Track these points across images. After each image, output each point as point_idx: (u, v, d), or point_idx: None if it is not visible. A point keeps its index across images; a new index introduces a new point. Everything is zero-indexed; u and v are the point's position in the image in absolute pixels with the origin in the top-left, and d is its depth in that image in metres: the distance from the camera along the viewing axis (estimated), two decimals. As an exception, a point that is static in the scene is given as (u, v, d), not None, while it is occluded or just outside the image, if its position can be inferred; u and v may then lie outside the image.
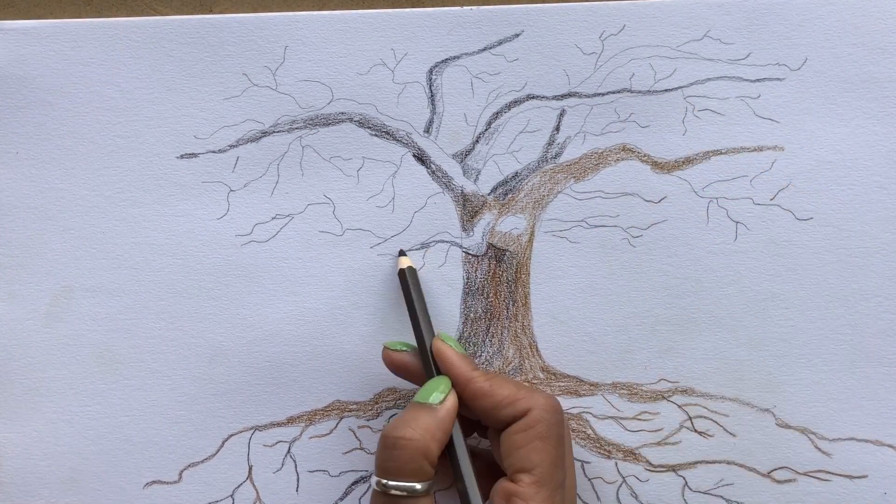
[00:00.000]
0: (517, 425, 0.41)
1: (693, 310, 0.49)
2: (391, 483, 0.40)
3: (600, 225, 0.49)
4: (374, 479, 0.41)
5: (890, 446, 0.48)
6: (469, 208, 0.49)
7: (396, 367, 0.45)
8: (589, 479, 0.49)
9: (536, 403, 0.42)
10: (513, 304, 0.49)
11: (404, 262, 0.47)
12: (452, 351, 0.44)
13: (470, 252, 0.49)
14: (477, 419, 0.44)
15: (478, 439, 0.48)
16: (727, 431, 0.49)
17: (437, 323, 0.49)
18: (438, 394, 0.42)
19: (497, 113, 0.49)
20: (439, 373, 0.44)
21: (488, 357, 0.49)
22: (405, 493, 0.40)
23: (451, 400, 0.42)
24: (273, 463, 0.49)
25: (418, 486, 0.40)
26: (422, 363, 0.45)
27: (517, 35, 0.49)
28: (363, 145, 0.49)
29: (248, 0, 0.50)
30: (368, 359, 0.49)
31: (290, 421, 0.49)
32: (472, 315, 0.49)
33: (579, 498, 0.48)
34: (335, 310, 0.49)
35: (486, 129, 0.49)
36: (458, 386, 0.43)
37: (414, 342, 0.46)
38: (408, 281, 0.46)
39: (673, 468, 0.48)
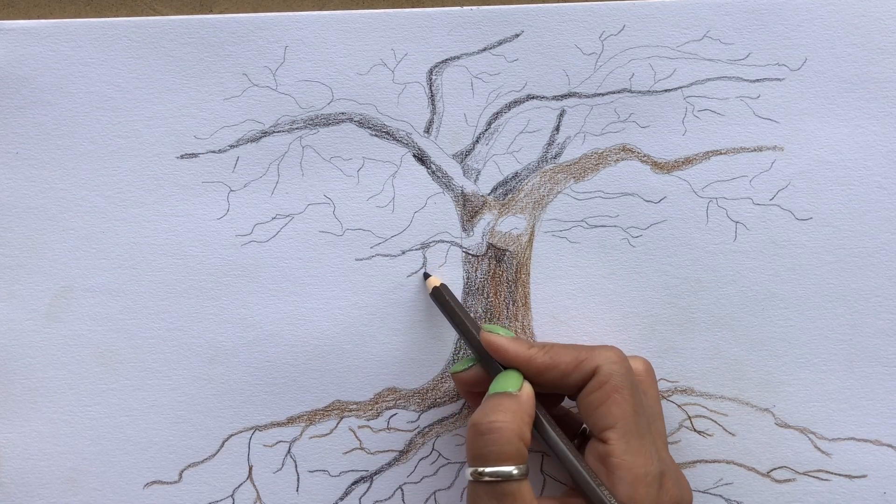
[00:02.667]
0: (589, 386, 0.41)
1: (693, 310, 0.49)
2: (487, 470, 0.39)
3: (600, 225, 0.49)
4: (467, 470, 0.40)
5: (889, 446, 0.48)
6: (469, 208, 0.49)
7: (471, 385, 0.45)
8: (589, 479, 0.49)
9: (601, 359, 0.42)
10: (513, 304, 0.49)
11: (434, 282, 0.47)
12: (502, 338, 0.43)
13: (470, 252, 0.49)
14: (552, 392, 0.44)
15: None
16: (727, 431, 0.49)
17: (437, 323, 0.49)
18: (513, 382, 0.42)
19: (497, 113, 0.49)
20: (503, 367, 0.44)
21: (488, 357, 0.49)
22: (502, 479, 0.39)
23: (528, 387, 0.42)
24: (273, 463, 0.49)
25: (514, 470, 0.40)
26: (484, 368, 0.44)
27: (517, 35, 0.49)
28: (363, 145, 0.49)
29: (249, 0, 0.50)
30: (368, 359, 0.49)
31: (291, 421, 0.49)
32: (472, 315, 0.49)
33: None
34: (335, 310, 0.49)
35: (486, 130, 0.49)
36: (521, 368, 0.43)
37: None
38: (445, 298, 0.46)
39: (673, 468, 0.48)
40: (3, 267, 0.49)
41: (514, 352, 0.43)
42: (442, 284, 0.47)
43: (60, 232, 0.49)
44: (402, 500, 0.49)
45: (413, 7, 0.50)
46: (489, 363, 0.44)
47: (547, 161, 0.49)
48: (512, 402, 0.41)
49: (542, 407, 0.43)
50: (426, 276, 0.48)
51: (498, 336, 0.44)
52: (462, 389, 0.46)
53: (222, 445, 0.49)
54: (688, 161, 0.49)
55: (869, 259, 0.49)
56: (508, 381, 0.42)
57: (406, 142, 0.49)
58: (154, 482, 0.49)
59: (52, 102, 0.49)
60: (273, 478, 0.49)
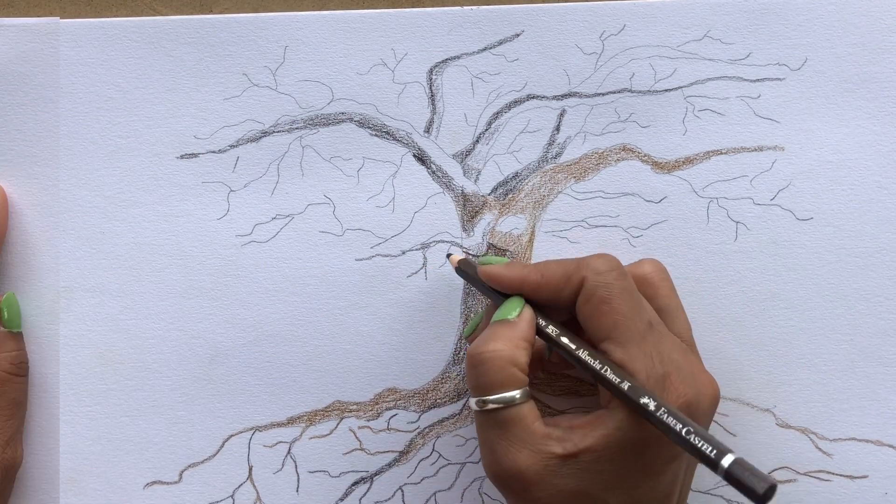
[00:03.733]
0: (579, 300, 0.41)
1: (693, 310, 0.49)
2: (489, 398, 0.40)
3: (601, 225, 0.49)
4: (472, 401, 0.41)
5: (890, 446, 0.48)
6: (469, 208, 0.49)
7: (490, 279, 0.45)
8: (589, 479, 0.49)
9: (587, 269, 0.41)
10: (513, 304, 0.49)
11: (456, 259, 0.47)
12: (496, 267, 0.44)
13: (470, 252, 0.49)
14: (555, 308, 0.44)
15: None
16: (727, 431, 0.49)
17: (437, 323, 0.49)
18: (512, 310, 0.42)
19: (497, 113, 0.49)
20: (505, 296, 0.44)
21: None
22: (504, 405, 0.40)
23: (528, 311, 0.42)
24: (273, 463, 0.49)
25: (516, 394, 0.40)
26: (496, 304, 0.44)
27: (517, 35, 0.49)
28: (363, 145, 0.49)
29: (249, 0, 0.50)
30: (369, 359, 0.49)
31: (291, 421, 0.49)
32: (472, 315, 0.49)
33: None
34: (335, 310, 0.49)
35: (487, 129, 0.49)
36: (516, 290, 0.43)
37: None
38: (468, 272, 0.46)
39: (673, 468, 0.48)
40: (5, 266, 0.49)
41: (508, 276, 0.43)
42: (463, 259, 0.47)
43: (60, 232, 0.49)
44: (403, 501, 0.49)
45: (413, 7, 0.50)
46: (494, 295, 0.44)
47: (547, 161, 0.49)
48: (505, 329, 0.42)
49: (549, 318, 0.43)
50: (448, 255, 0.48)
51: (491, 266, 0.44)
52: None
53: (222, 446, 0.49)
54: (688, 161, 0.49)
55: (870, 259, 0.49)
56: (506, 309, 0.43)
57: (406, 142, 0.49)
58: (154, 482, 0.49)
59: (53, 101, 0.49)
60: (273, 478, 0.49)
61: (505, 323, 0.42)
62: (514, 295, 0.43)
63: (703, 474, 0.48)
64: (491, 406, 0.40)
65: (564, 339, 0.42)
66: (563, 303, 0.42)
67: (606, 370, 0.40)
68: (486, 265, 0.44)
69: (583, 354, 0.41)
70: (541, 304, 0.43)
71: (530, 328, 0.42)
